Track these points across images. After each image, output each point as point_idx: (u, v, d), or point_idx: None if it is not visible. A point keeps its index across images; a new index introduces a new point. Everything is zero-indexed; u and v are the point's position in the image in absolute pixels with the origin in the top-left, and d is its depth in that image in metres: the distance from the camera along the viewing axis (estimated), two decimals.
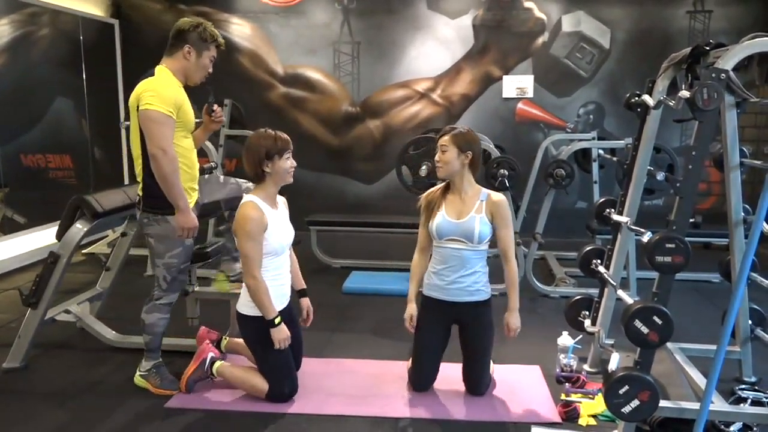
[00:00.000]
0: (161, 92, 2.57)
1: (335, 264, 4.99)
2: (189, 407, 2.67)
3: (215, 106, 2.92)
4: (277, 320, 2.61)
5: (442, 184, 2.83)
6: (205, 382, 2.84)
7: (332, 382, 2.92)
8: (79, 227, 3.03)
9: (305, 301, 2.94)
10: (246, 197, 2.69)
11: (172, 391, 2.81)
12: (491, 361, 2.96)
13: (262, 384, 2.71)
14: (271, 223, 2.65)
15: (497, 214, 2.72)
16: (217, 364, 2.82)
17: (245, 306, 2.71)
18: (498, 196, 2.76)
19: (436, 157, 2.75)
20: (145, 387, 2.86)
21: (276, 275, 2.71)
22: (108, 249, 5.13)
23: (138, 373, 2.89)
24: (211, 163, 4.70)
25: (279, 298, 2.74)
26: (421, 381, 2.83)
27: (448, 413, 2.64)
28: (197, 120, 2.86)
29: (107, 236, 5.40)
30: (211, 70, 2.80)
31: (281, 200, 2.83)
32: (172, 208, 2.64)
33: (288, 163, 2.69)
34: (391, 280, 4.48)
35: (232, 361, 2.95)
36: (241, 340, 2.90)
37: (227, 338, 3.07)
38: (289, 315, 2.82)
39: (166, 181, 2.58)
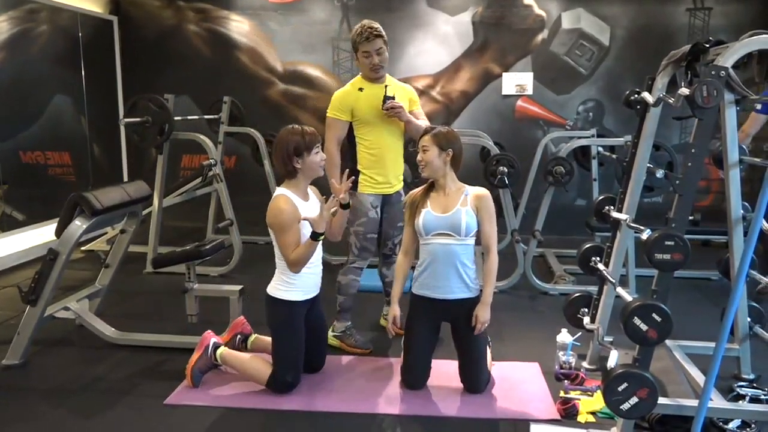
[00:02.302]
0: (335, 100, 3.14)
1: (334, 261, 4.97)
2: (188, 404, 2.67)
3: (388, 102, 3.11)
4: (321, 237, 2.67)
5: (426, 184, 2.85)
6: (205, 379, 2.84)
7: (332, 379, 2.92)
8: (78, 224, 3.03)
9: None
10: (278, 190, 2.73)
11: (366, 350, 3.20)
12: (490, 357, 2.96)
13: (263, 370, 2.73)
14: (303, 215, 2.68)
15: (482, 208, 2.73)
16: (220, 350, 2.84)
17: (275, 289, 2.76)
18: (482, 191, 2.78)
19: (418, 158, 2.77)
20: (338, 346, 3.23)
21: (309, 264, 2.74)
22: (107, 246, 5.13)
23: (332, 333, 3.25)
24: (210, 160, 4.70)
25: (311, 287, 2.81)
26: (413, 379, 2.83)
27: (448, 410, 2.64)
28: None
29: (106, 233, 5.41)
30: (375, 61, 3.06)
31: (312, 191, 2.86)
32: (357, 184, 3.14)
33: (318, 157, 2.73)
34: None
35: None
36: (267, 338, 2.92)
37: (255, 336, 3.07)
38: (316, 306, 2.88)
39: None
